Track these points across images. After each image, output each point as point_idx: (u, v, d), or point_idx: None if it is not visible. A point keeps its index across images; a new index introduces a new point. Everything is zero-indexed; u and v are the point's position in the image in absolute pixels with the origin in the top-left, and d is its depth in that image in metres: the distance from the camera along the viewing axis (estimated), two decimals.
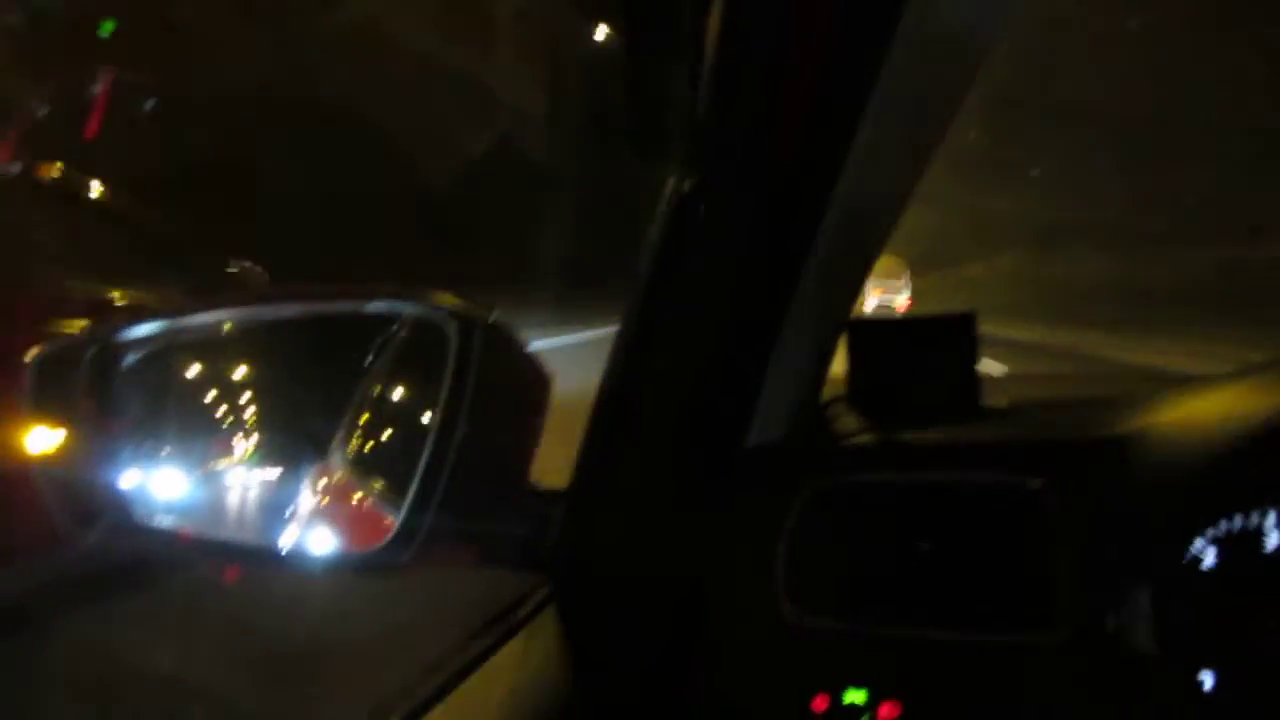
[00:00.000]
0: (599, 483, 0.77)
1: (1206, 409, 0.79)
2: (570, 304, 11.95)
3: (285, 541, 0.88)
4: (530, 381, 0.75)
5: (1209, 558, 0.67)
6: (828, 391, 0.87)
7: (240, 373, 0.92)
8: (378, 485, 0.85)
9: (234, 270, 5.08)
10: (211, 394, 0.93)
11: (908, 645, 0.68)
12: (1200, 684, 0.64)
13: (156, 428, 0.89)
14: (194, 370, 0.92)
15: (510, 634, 0.75)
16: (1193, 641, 0.65)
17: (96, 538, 0.77)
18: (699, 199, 0.73)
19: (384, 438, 0.92)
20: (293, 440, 0.93)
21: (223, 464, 0.89)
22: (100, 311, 3.36)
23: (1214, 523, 0.67)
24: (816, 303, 0.76)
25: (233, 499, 0.88)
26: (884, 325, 0.88)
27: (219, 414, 0.92)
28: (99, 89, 6.80)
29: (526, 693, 0.71)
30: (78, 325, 0.89)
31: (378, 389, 0.95)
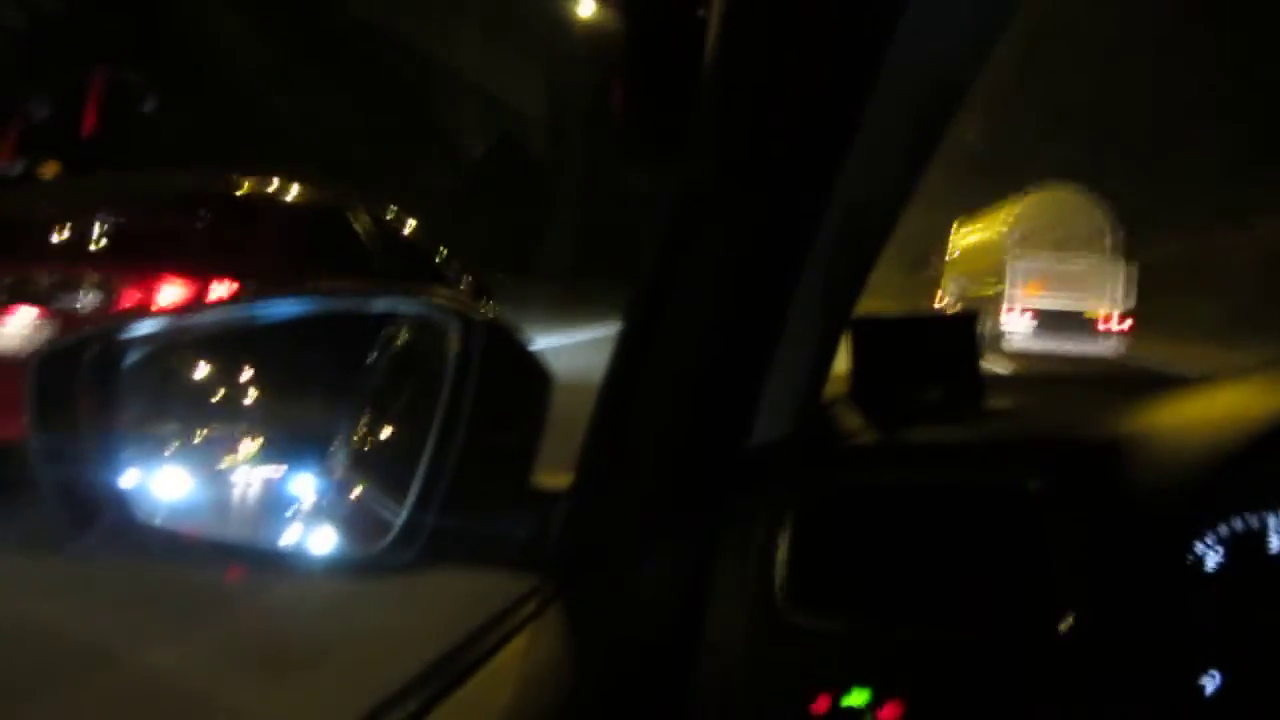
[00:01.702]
0: (600, 482, 0.77)
1: (1208, 410, 0.80)
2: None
3: (287, 541, 0.87)
4: (532, 381, 0.75)
5: (1211, 559, 0.67)
6: (829, 391, 0.87)
7: (242, 372, 0.92)
8: (379, 485, 0.84)
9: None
10: (213, 393, 0.93)
11: (909, 646, 0.68)
12: (1202, 686, 0.64)
13: (158, 427, 0.88)
14: (196, 369, 0.92)
15: (511, 635, 0.75)
16: (1194, 643, 0.65)
17: (96, 538, 0.77)
18: (700, 198, 0.73)
19: (385, 437, 0.92)
20: (294, 440, 0.93)
21: (224, 464, 0.89)
22: None
23: (1216, 524, 0.67)
24: (818, 302, 0.76)
25: (234, 499, 0.88)
26: (886, 325, 0.88)
27: (220, 413, 0.92)
28: (93, 88, 6.80)
29: (528, 694, 0.71)
30: None
31: (379, 388, 0.95)
